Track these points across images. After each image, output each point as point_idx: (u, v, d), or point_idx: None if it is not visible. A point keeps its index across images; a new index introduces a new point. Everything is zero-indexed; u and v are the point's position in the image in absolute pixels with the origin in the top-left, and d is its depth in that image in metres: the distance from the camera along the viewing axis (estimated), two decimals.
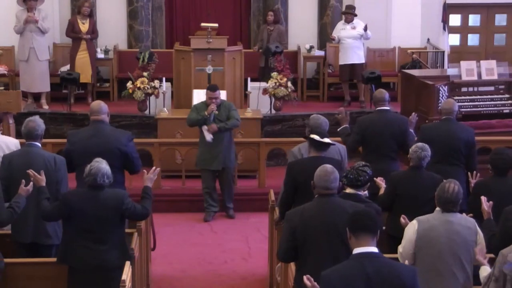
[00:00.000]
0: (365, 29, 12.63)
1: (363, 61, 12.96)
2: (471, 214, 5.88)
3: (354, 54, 12.81)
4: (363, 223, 4.47)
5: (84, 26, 12.70)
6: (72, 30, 12.74)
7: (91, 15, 12.89)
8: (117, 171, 7.06)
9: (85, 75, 12.63)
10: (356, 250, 4.45)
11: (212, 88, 9.71)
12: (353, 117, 9.62)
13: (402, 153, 8.30)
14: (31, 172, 6.17)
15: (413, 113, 8.70)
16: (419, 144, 6.87)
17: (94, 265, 5.91)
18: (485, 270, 5.24)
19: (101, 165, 5.96)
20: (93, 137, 7.12)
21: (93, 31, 12.79)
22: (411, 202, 6.59)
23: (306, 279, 4.65)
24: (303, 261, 5.40)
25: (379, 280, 4.36)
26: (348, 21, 12.84)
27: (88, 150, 6.89)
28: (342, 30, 12.82)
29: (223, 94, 10.80)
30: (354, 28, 12.76)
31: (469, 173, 7.30)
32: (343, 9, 13.61)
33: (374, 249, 4.45)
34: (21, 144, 7.41)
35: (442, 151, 7.75)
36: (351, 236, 4.50)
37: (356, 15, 12.84)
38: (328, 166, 5.56)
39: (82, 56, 12.70)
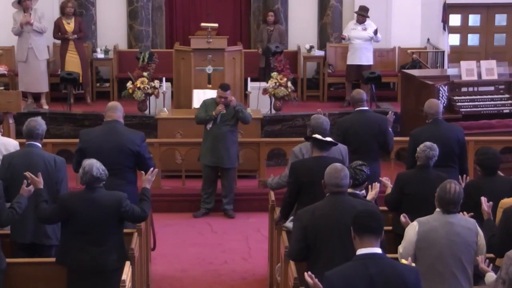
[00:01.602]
0: (375, 32, 12.64)
1: (371, 62, 12.96)
2: (471, 214, 5.88)
3: (362, 55, 12.82)
4: (367, 224, 4.46)
5: (69, 26, 12.63)
6: (58, 31, 12.69)
7: (76, 14, 12.81)
8: (129, 170, 7.08)
9: None
10: (360, 251, 4.45)
11: (223, 87, 9.73)
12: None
13: (383, 152, 8.29)
14: (28, 174, 6.11)
15: (390, 112, 8.72)
16: (428, 143, 6.85)
17: (91, 267, 5.88)
18: (490, 277, 5.21)
19: (91, 161, 5.93)
20: (107, 136, 7.11)
21: (80, 30, 12.68)
22: (419, 202, 6.56)
23: (307, 276, 4.64)
24: (314, 260, 5.38)
25: (382, 281, 4.35)
26: (360, 21, 12.84)
27: (101, 148, 6.91)
28: (352, 30, 12.82)
29: None
30: (365, 29, 12.77)
31: (459, 175, 7.27)
32: (343, 9, 13.63)
33: (378, 250, 4.45)
34: (21, 144, 7.41)
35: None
36: (355, 237, 4.49)
37: (368, 17, 12.83)
38: (338, 164, 5.57)
39: (72, 57, 12.64)
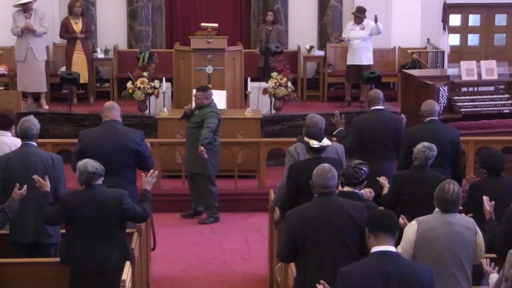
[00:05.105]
0: (376, 20, 12.58)
1: (371, 62, 12.94)
2: (470, 214, 5.87)
3: (362, 55, 12.81)
4: (383, 223, 4.51)
5: (77, 26, 12.67)
6: (65, 30, 12.72)
7: (83, 15, 12.86)
8: (130, 169, 7.11)
9: (82, 75, 12.60)
10: (375, 249, 4.48)
11: (197, 88, 9.69)
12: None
13: (397, 152, 8.29)
14: (36, 177, 6.14)
15: (402, 115, 8.68)
16: (426, 143, 6.82)
17: (94, 266, 5.89)
18: (494, 277, 5.21)
19: (84, 160, 5.95)
20: (106, 136, 7.13)
21: (86, 30, 12.76)
22: (415, 202, 6.55)
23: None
24: (303, 261, 5.40)
25: (398, 279, 4.39)
26: (358, 22, 12.84)
27: (101, 148, 6.93)
28: (351, 31, 12.82)
29: (222, 94, 10.82)
30: (363, 29, 12.77)
31: (451, 176, 7.22)
32: (343, 9, 13.64)
33: (393, 249, 4.49)
34: None
35: None
36: (370, 235, 4.53)
37: (366, 17, 12.83)
38: (326, 165, 5.57)
39: (79, 56, 12.68)
